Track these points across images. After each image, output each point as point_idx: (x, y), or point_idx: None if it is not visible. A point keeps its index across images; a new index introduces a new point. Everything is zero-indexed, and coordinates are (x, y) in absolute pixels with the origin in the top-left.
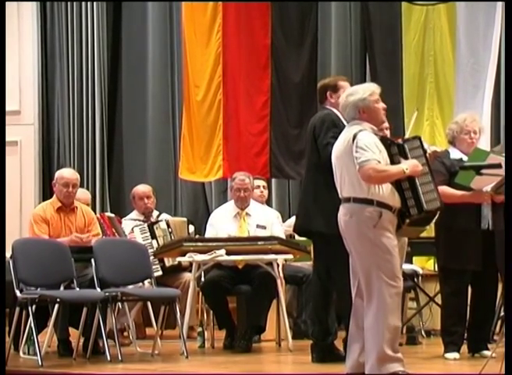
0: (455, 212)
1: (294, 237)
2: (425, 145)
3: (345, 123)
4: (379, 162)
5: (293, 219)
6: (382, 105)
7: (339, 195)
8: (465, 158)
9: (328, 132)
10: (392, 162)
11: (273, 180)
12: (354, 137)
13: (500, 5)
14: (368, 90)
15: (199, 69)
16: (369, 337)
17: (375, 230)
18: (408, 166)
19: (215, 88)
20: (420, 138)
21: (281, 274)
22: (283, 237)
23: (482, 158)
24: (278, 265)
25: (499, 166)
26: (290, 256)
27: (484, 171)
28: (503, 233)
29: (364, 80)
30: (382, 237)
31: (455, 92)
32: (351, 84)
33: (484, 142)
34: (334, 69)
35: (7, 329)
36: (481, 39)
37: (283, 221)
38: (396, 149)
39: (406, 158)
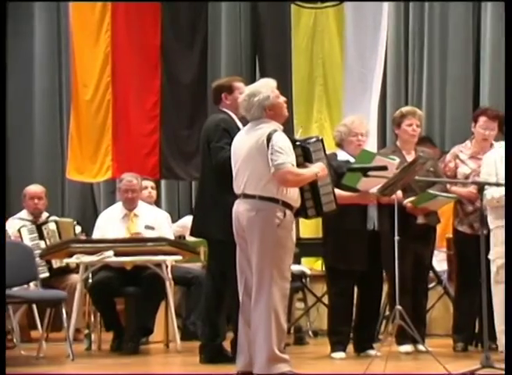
0: (342, 213)
1: (184, 237)
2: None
3: (240, 125)
4: (293, 164)
5: (183, 220)
6: (283, 99)
7: (237, 191)
8: (352, 160)
9: (222, 137)
10: (297, 163)
11: (163, 181)
12: (269, 137)
13: (386, 9)
14: (269, 87)
15: (88, 69)
16: (257, 336)
17: (278, 230)
18: (319, 169)
19: (104, 88)
20: (322, 140)
21: (170, 275)
22: (172, 238)
23: (369, 161)
24: (167, 266)
25: (384, 168)
26: (179, 257)
27: (370, 173)
28: (388, 233)
29: (254, 82)
30: (284, 237)
31: (343, 95)
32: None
33: (370, 145)
34: (224, 70)
35: None
36: (369, 42)
37: (173, 222)
38: (300, 150)
39: (308, 159)
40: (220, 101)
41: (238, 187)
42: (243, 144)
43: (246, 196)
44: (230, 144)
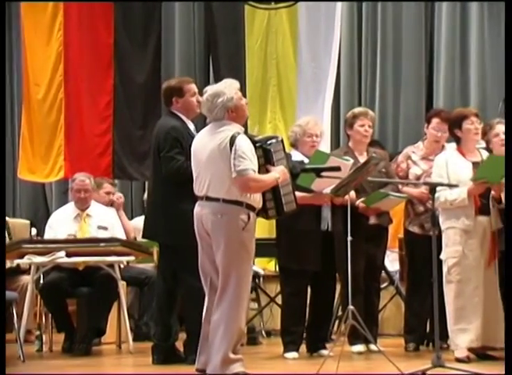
0: (296, 213)
1: (136, 238)
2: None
3: (192, 127)
4: (255, 170)
5: (136, 221)
6: (244, 101)
7: (199, 193)
8: (307, 160)
9: (172, 147)
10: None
11: (116, 181)
12: (232, 140)
13: (339, 10)
14: (233, 88)
15: (40, 68)
16: (216, 336)
17: (243, 232)
18: (279, 174)
19: (57, 87)
20: (282, 140)
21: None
22: (125, 238)
23: (323, 161)
24: (119, 266)
25: (338, 168)
26: (132, 258)
27: (323, 174)
28: (342, 234)
29: (207, 82)
30: (248, 239)
31: (297, 95)
32: (197, 88)
33: (324, 145)
34: (178, 70)
35: None
36: (322, 44)
37: None
38: (261, 152)
39: (269, 160)
40: (171, 104)
41: (200, 190)
42: (204, 145)
43: (209, 199)
44: (181, 154)
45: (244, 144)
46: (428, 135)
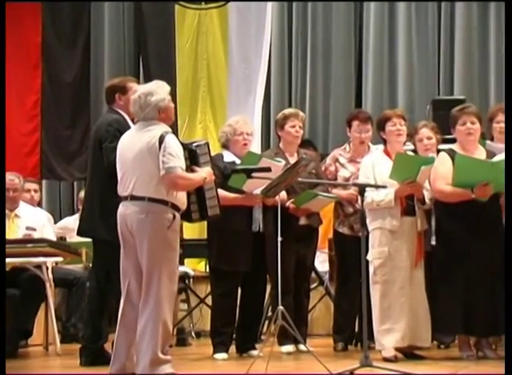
0: (227, 214)
1: (65, 239)
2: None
3: (132, 126)
4: (183, 169)
5: (64, 221)
6: (172, 104)
7: (123, 193)
8: (238, 161)
9: (115, 138)
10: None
11: (44, 182)
12: (161, 139)
13: (270, 10)
14: (165, 90)
15: None
16: (143, 337)
17: (168, 232)
18: (206, 174)
19: None
20: (208, 144)
21: (50, 277)
22: (54, 239)
23: (255, 163)
24: (47, 267)
25: (268, 169)
26: (60, 259)
27: (254, 174)
28: (273, 235)
29: (137, 82)
30: (173, 239)
31: (227, 96)
32: None
33: (254, 146)
34: (108, 70)
35: None
36: (253, 44)
37: (55, 223)
38: (186, 153)
39: (195, 162)
40: (113, 102)
41: (125, 189)
42: (132, 144)
43: (134, 198)
44: None
45: (173, 143)
46: (352, 138)
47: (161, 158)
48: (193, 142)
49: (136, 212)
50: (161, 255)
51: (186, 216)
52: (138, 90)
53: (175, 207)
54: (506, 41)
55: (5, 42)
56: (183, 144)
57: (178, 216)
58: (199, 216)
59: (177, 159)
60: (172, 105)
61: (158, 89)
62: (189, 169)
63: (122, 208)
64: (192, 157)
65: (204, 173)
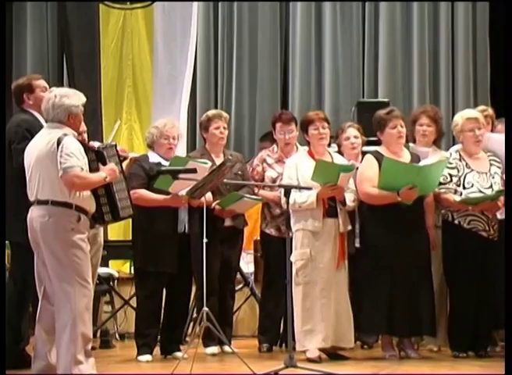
0: (152, 215)
1: None
2: (127, 153)
3: (44, 124)
4: (83, 169)
5: None
6: (81, 116)
7: (31, 197)
8: (164, 162)
9: (23, 139)
10: (90, 168)
11: None
12: (59, 141)
13: (195, 11)
14: (81, 99)
15: None
16: (61, 340)
17: (72, 233)
18: (107, 173)
19: None
20: (116, 146)
21: None
22: None
23: (182, 165)
24: None
25: (194, 170)
26: None
27: (181, 176)
28: (198, 236)
29: (61, 82)
30: (79, 241)
31: (153, 97)
32: (49, 86)
33: (180, 147)
34: (30, 70)
35: None
36: (179, 46)
37: None
38: (94, 156)
39: (103, 164)
40: (22, 102)
41: (32, 194)
42: (34, 148)
43: (39, 202)
44: None
45: (71, 143)
46: (278, 140)
47: (58, 160)
48: (101, 145)
49: (40, 216)
50: (66, 258)
51: (99, 219)
52: (54, 90)
53: (80, 209)
54: (506, 41)
55: (5, 42)
56: (89, 146)
57: (84, 217)
58: (111, 218)
59: (75, 159)
60: (82, 117)
61: (75, 95)
62: (96, 171)
63: (30, 213)
64: (99, 159)
65: (104, 171)
